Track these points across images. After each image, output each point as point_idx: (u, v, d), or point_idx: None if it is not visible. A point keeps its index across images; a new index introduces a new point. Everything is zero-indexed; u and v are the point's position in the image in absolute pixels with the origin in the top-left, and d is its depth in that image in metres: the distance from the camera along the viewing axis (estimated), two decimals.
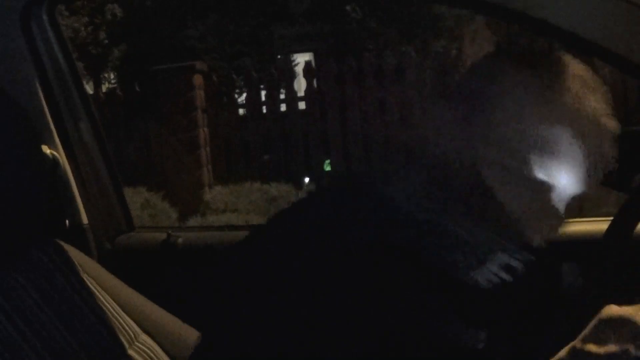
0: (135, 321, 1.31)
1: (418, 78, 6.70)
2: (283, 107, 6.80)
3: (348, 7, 8.44)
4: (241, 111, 7.65)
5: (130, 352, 1.26)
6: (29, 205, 1.15)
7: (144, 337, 1.31)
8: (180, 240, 1.76)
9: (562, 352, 0.84)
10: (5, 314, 1.10)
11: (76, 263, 1.27)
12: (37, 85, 1.66)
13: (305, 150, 6.59)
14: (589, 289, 1.20)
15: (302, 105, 6.78)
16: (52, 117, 1.69)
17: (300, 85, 6.90)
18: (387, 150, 6.58)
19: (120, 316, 1.28)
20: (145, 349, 1.29)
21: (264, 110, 6.83)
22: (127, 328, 1.28)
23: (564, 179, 0.95)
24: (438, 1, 7.35)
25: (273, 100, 6.79)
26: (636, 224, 1.02)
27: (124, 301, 1.32)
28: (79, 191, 1.74)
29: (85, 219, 1.75)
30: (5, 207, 1.09)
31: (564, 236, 1.25)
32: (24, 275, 1.17)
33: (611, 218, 1.16)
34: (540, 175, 0.92)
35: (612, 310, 0.82)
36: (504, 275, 0.88)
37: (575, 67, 1.00)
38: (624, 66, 1.11)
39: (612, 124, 0.96)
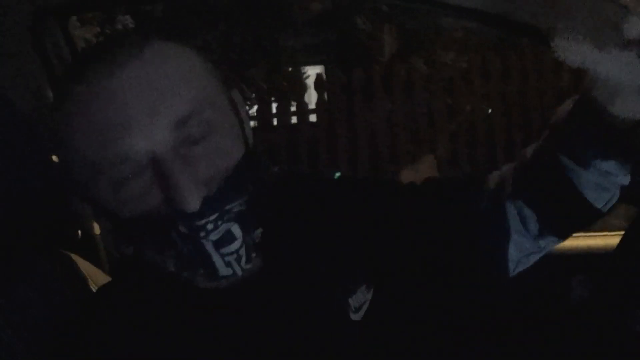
0: None
1: (427, 90, 6.71)
2: (293, 119, 6.79)
3: (358, 19, 8.45)
4: (252, 123, 7.64)
5: None
6: (38, 215, 1.15)
7: None
8: None
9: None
10: (11, 325, 1.10)
11: (85, 274, 1.27)
12: (50, 96, 1.67)
13: (315, 162, 6.59)
14: (599, 302, 1.19)
15: (312, 117, 6.78)
16: None
17: (311, 97, 6.91)
18: (397, 162, 6.58)
19: None
20: None
21: (274, 122, 6.83)
22: None
23: None
24: (446, 13, 7.36)
25: (283, 112, 6.78)
26: None
27: None
28: None
29: (96, 230, 1.75)
30: (15, 218, 1.09)
31: (575, 250, 1.25)
32: (32, 286, 1.17)
33: (622, 232, 1.16)
34: None
35: None
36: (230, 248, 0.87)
37: None
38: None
39: None
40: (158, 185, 0.83)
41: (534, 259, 1.04)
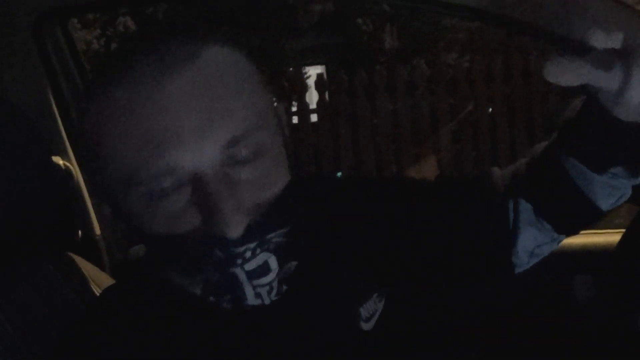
0: None
1: (429, 90, 6.71)
2: (295, 120, 6.80)
3: (359, 20, 8.45)
4: None
5: None
6: (40, 217, 1.15)
7: None
8: None
9: None
10: (14, 327, 1.10)
11: (86, 275, 1.27)
12: (50, 97, 1.67)
13: (316, 162, 6.59)
14: (603, 302, 1.19)
15: (313, 117, 6.78)
16: (65, 129, 1.70)
17: (312, 97, 6.91)
18: (399, 162, 6.58)
19: None
20: None
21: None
22: None
23: None
24: (450, 13, 7.36)
25: (285, 112, 6.78)
26: None
27: None
28: (91, 202, 1.75)
29: (97, 230, 1.75)
30: (16, 219, 1.09)
31: (576, 248, 1.24)
32: (34, 288, 1.16)
33: (623, 230, 1.15)
34: None
35: None
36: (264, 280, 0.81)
37: None
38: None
39: None
40: (198, 205, 0.77)
41: (548, 249, 1.02)
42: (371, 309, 0.95)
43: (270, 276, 0.80)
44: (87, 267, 1.29)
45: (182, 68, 0.75)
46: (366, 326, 0.94)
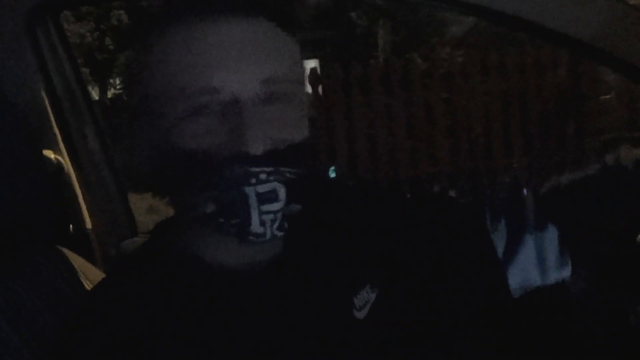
0: None
1: (424, 85, 6.71)
2: None
3: (353, 14, 8.45)
4: None
5: None
6: (31, 211, 1.15)
7: None
8: None
9: None
10: (7, 321, 1.10)
11: (78, 269, 1.27)
12: (42, 90, 1.66)
13: (309, 156, 6.59)
14: (600, 298, 1.19)
15: None
16: (57, 122, 1.69)
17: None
18: (393, 157, 6.58)
19: None
20: None
21: None
22: None
23: None
24: (446, 8, 7.36)
25: None
26: None
27: None
28: (83, 196, 1.74)
29: (89, 225, 1.75)
30: (7, 213, 1.09)
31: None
32: (27, 282, 1.16)
33: None
34: None
35: None
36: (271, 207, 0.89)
37: None
38: (626, 70, 1.11)
39: None
40: (229, 124, 0.87)
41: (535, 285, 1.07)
42: (364, 299, 1.00)
43: (277, 205, 0.88)
44: (78, 261, 1.29)
45: (238, 14, 0.91)
46: (359, 314, 0.99)
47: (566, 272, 1.05)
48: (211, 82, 0.87)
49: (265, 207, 0.87)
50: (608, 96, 6.30)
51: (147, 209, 6.06)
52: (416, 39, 8.16)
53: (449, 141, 6.66)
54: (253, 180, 0.86)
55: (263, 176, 0.86)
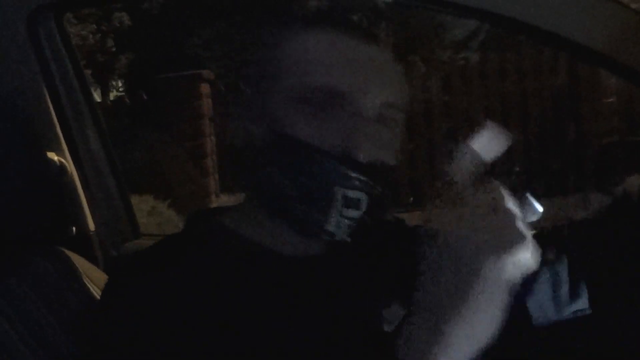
0: None
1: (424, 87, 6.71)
2: None
3: (355, 17, 8.44)
4: None
5: None
6: (33, 212, 1.15)
7: None
8: None
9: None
10: (8, 321, 1.10)
11: (80, 270, 1.27)
12: (45, 92, 1.66)
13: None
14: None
15: None
16: (59, 124, 1.69)
17: None
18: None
19: None
20: None
21: None
22: None
23: None
24: (447, 11, 7.36)
25: None
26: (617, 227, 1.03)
27: None
28: (85, 198, 1.74)
29: (91, 226, 1.75)
30: (9, 214, 1.09)
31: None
32: (28, 283, 1.17)
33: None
34: None
35: None
36: (351, 213, 0.93)
37: None
38: (624, 73, 1.11)
39: None
40: (346, 129, 0.92)
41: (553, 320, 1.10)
42: (394, 314, 1.03)
43: (357, 213, 0.93)
44: (80, 262, 1.29)
45: (375, 40, 1.01)
46: (387, 327, 1.02)
47: (583, 305, 1.06)
48: (346, 88, 0.93)
49: (347, 212, 0.92)
50: (609, 99, 6.30)
51: (149, 211, 6.05)
52: (417, 41, 8.16)
53: (449, 145, 6.66)
54: (346, 183, 0.91)
55: (356, 183, 0.91)
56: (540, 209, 0.98)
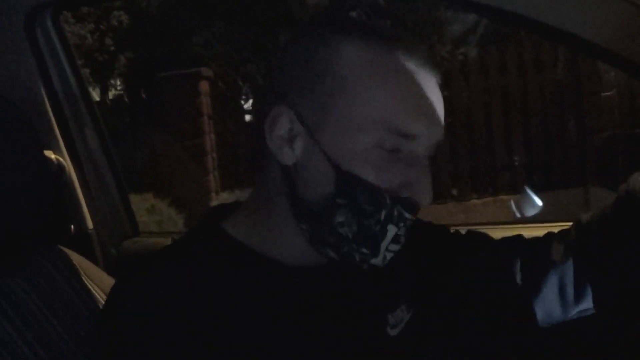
0: None
1: None
2: None
3: (353, 13, 8.44)
4: (248, 117, 7.66)
5: None
6: (32, 211, 1.15)
7: None
8: None
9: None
10: (8, 319, 1.10)
11: (79, 269, 1.27)
12: (43, 91, 1.66)
13: None
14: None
15: None
16: (57, 123, 1.69)
17: None
18: None
19: None
20: None
21: None
22: None
23: None
24: (447, 6, 7.36)
25: None
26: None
27: None
28: (84, 197, 1.75)
29: (90, 225, 1.75)
30: (8, 212, 1.09)
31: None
32: (27, 281, 1.17)
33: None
34: None
35: None
36: (394, 247, 0.93)
37: None
38: (627, 68, 1.10)
39: None
40: (411, 170, 0.91)
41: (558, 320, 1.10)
42: (398, 318, 1.04)
43: (396, 247, 0.93)
44: (80, 261, 1.29)
45: (434, 70, 0.95)
46: (392, 332, 1.03)
47: (587, 305, 1.06)
48: (412, 129, 0.89)
49: (392, 247, 0.92)
50: (609, 93, 6.29)
51: (148, 209, 6.06)
52: (416, 37, 8.14)
53: (450, 140, 6.66)
54: (401, 225, 0.91)
55: (408, 222, 0.92)
56: (539, 203, 0.98)
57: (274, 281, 0.95)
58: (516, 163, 6.56)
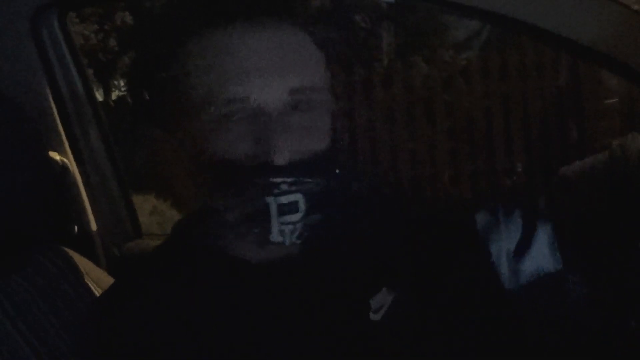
0: None
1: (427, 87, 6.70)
2: None
3: (357, 17, 8.45)
4: None
5: None
6: (35, 211, 1.15)
7: None
8: None
9: None
10: (10, 319, 1.10)
11: (81, 269, 1.27)
12: (47, 91, 1.67)
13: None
14: (597, 297, 1.20)
15: None
16: (62, 123, 1.69)
17: None
18: (395, 159, 6.58)
19: None
20: None
21: None
22: None
23: None
24: (450, 11, 7.35)
25: None
26: None
27: None
28: (87, 197, 1.75)
29: (93, 226, 1.75)
30: (11, 213, 1.09)
31: None
32: (29, 281, 1.17)
33: None
34: None
35: None
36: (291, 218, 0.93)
37: None
38: (627, 73, 1.11)
39: None
40: (255, 133, 0.91)
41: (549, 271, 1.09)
42: (380, 302, 1.02)
43: (297, 216, 0.91)
44: (81, 261, 1.29)
45: (272, 27, 0.97)
46: (375, 316, 1.01)
47: (556, 266, 1.06)
48: (239, 91, 0.91)
49: (286, 218, 0.91)
50: (612, 100, 6.29)
51: (151, 211, 6.05)
52: (419, 41, 8.15)
53: (451, 143, 6.66)
54: (275, 191, 0.90)
55: (284, 187, 0.90)
56: None
57: (238, 282, 0.96)
58: (518, 169, 6.55)
